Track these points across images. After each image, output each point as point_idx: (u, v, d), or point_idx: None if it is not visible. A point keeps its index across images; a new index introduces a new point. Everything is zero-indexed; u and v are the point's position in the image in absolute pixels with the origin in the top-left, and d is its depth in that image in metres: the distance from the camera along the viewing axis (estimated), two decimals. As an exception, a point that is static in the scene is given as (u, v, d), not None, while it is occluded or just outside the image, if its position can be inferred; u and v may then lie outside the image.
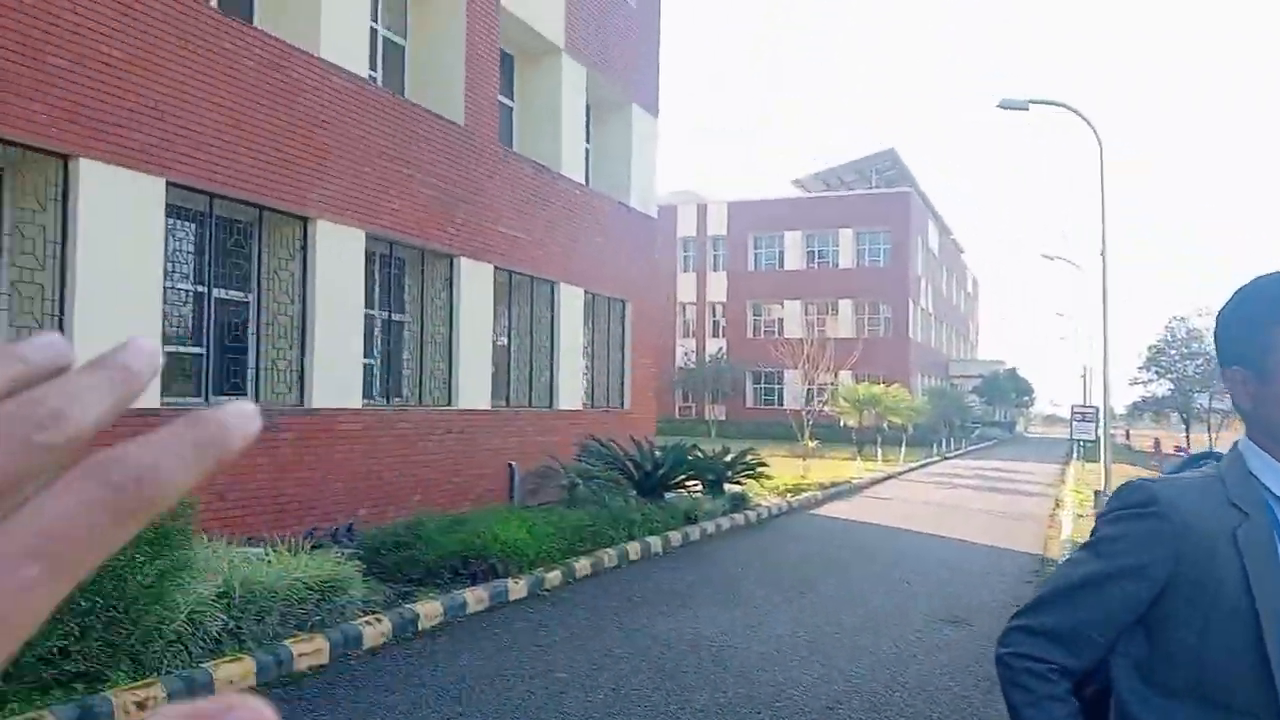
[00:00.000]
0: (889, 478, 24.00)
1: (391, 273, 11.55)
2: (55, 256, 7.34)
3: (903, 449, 29.37)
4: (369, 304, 10.94)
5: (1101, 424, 18.92)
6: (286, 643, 5.97)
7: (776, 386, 45.68)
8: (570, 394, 15.01)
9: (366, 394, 10.89)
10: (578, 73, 15.17)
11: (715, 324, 49.45)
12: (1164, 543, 1.40)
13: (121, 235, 7.73)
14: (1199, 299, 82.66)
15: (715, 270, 49.44)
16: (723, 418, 44.11)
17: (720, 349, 47.39)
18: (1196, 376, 38.84)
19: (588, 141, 16.58)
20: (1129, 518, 1.45)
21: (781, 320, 47.10)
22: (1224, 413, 33.21)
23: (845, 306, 46.43)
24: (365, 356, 10.84)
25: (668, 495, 13.20)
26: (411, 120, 11.36)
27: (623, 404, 17.04)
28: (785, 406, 36.93)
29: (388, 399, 11.52)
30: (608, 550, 10.05)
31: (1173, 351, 41.00)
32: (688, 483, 13.78)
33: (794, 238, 47.91)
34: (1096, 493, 15.97)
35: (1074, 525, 13.74)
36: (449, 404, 12.13)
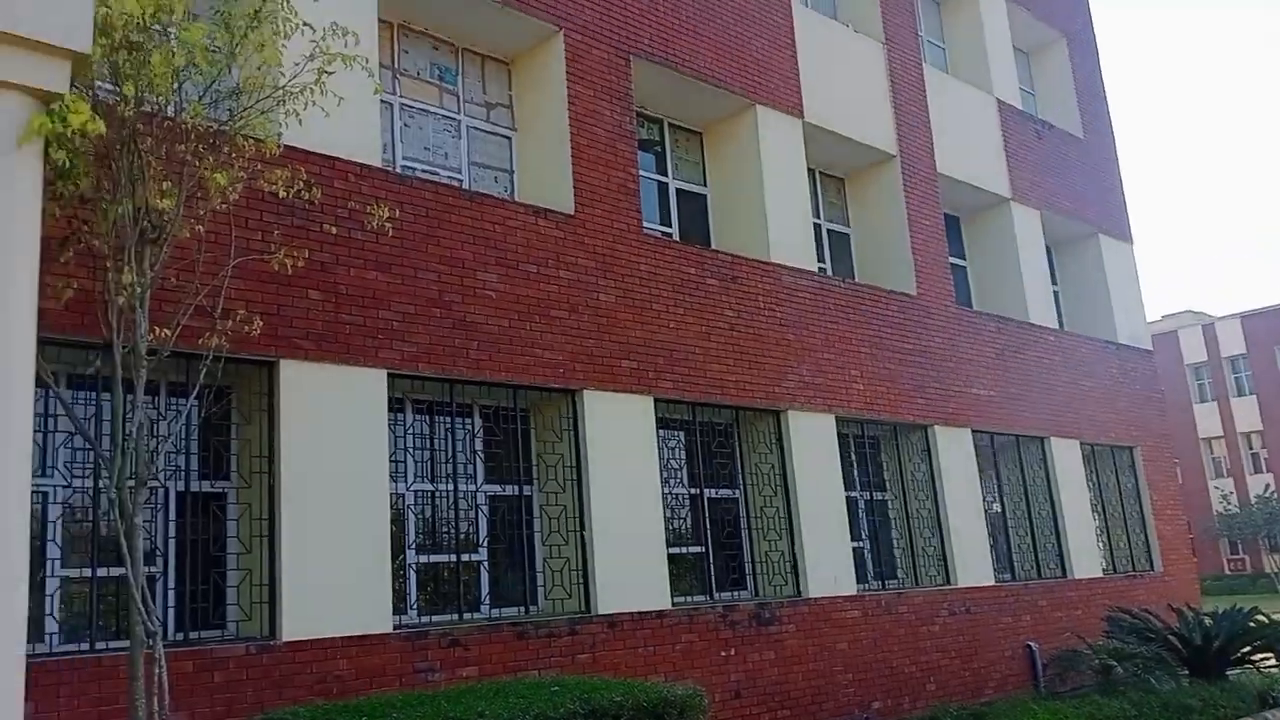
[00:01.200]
0: None
1: (866, 451, 11.49)
2: (573, 479, 8.39)
3: None
4: (849, 486, 10.91)
5: None
6: None
7: (1358, 525, 37.02)
8: (1085, 560, 13.42)
9: (860, 578, 10.69)
10: (1029, 217, 14.47)
11: (1253, 457, 41.97)
12: None
13: (622, 450, 8.65)
14: None
15: (1240, 395, 42.49)
16: (1289, 569, 36.55)
17: (1268, 486, 39.87)
18: None
19: (1054, 283, 15.53)
20: None
21: (1346, 443, 38.70)
22: None
23: None
24: (854, 540, 10.71)
25: (1230, 673, 10.96)
26: (865, 301, 11.54)
27: (1151, 565, 14.82)
28: (1377, 549, 29.61)
29: (882, 582, 11.19)
30: (1165, 744, 8.49)
31: None
32: (1254, 656, 11.35)
33: (1340, 342, 39.93)
34: None
35: None
36: (947, 582, 11.45)
